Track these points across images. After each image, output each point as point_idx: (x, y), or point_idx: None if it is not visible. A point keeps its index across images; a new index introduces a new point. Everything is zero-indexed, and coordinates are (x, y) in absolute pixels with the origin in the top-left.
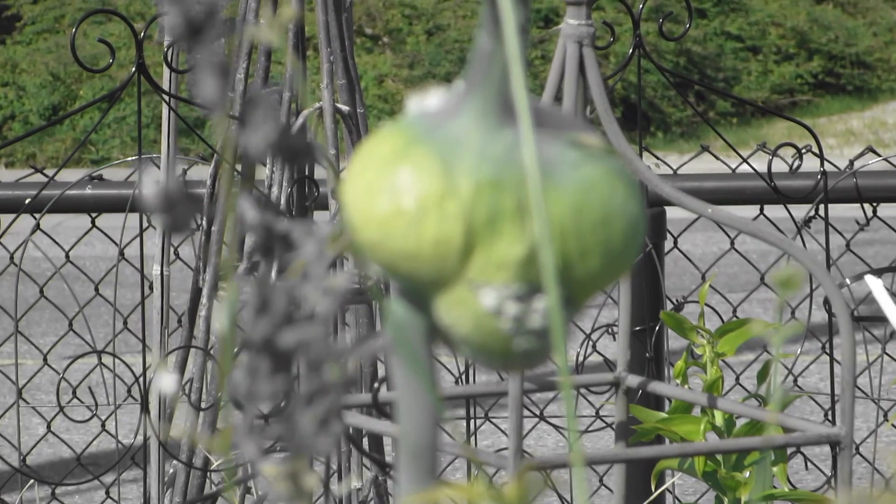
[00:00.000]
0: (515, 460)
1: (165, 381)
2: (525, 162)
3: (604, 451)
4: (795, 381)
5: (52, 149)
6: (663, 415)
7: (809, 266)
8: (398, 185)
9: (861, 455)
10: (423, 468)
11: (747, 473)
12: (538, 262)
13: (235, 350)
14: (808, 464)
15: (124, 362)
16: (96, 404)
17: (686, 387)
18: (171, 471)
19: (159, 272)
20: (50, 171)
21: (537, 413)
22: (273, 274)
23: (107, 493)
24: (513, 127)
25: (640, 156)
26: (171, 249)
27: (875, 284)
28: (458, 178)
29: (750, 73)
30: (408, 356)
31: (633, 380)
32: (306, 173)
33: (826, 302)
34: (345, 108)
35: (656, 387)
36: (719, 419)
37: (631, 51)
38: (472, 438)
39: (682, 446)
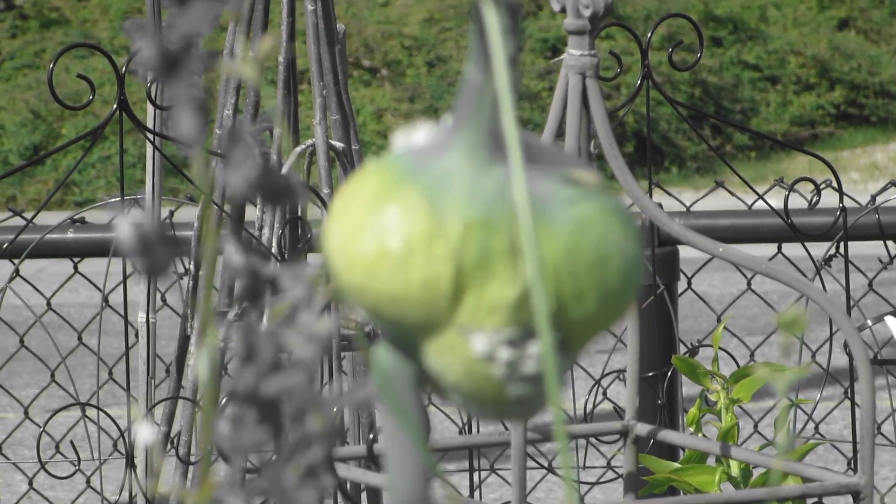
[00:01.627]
0: None
1: (144, 432)
2: (516, 200)
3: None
4: (817, 427)
5: (34, 190)
6: (676, 465)
7: (827, 308)
8: (384, 225)
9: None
10: None
11: None
12: (531, 305)
13: (220, 399)
14: None
15: (109, 415)
16: (79, 459)
17: (700, 435)
18: None
19: (145, 320)
20: (31, 215)
21: (545, 465)
22: (260, 320)
23: None
24: (504, 163)
25: (651, 192)
26: (158, 295)
27: (894, 324)
28: (446, 218)
29: (769, 104)
30: (395, 406)
31: (643, 428)
32: (298, 214)
33: (846, 345)
34: (339, 144)
35: (667, 435)
36: (735, 469)
37: (639, 82)
38: (477, 492)
39: (695, 498)
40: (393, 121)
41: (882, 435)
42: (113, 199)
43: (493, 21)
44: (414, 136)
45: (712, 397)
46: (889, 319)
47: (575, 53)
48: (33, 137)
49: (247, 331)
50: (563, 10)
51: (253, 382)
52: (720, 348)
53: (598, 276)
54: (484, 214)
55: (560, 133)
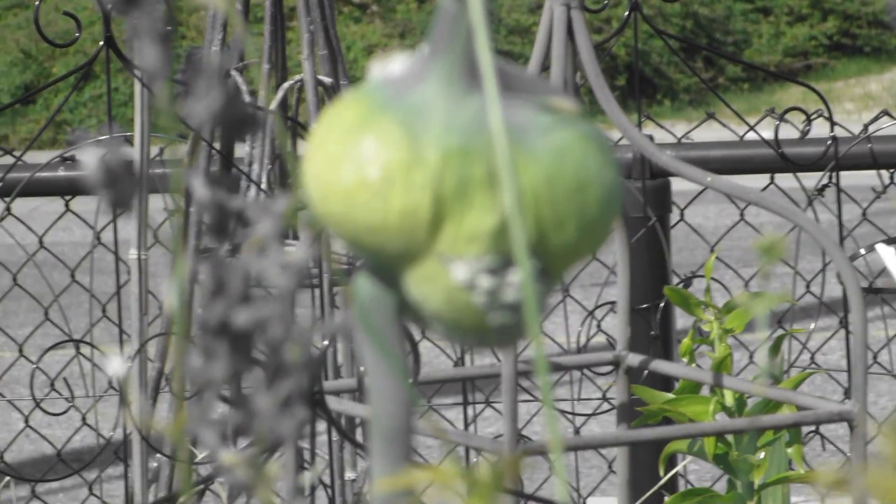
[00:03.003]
0: (511, 446)
1: (114, 365)
2: (492, 128)
3: (605, 434)
4: (813, 357)
5: (26, 129)
6: (670, 395)
7: (818, 237)
8: (362, 155)
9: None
10: (397, 452)
11: (761, 455)
12: (511, 234)
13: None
14: (827, 444)
15: (101, 351)
16: (73, 396)
17: (694, 366)
18: (155, 465)
19: (136, 257)
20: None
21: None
22: (228, 253)
23: (90, 489)
24: (481, 92)
25: (640, 124)
26: (149, 232)
27: (887, 253)
28: (424, 147)
29: (761, 35)
30: (375, 337)
31: (635, 359)
32: (288, 149)
33: (840, 275)
34: (327, 80)
35: (659, 365)
36: (729, 399)
37: (627, 13)
38: (473, 425)
39: (686, 427)
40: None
41: (878, 364)
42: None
43: None
44: (390, 66)
45: (705, 328)
46: (880, 247)
47: None
48: (24, 77)
49: (216, 263)
50: None
51: (223, 314)
52: (713, 279)
53: (578, 203)
54: (462, 143)
55: (546, 65)
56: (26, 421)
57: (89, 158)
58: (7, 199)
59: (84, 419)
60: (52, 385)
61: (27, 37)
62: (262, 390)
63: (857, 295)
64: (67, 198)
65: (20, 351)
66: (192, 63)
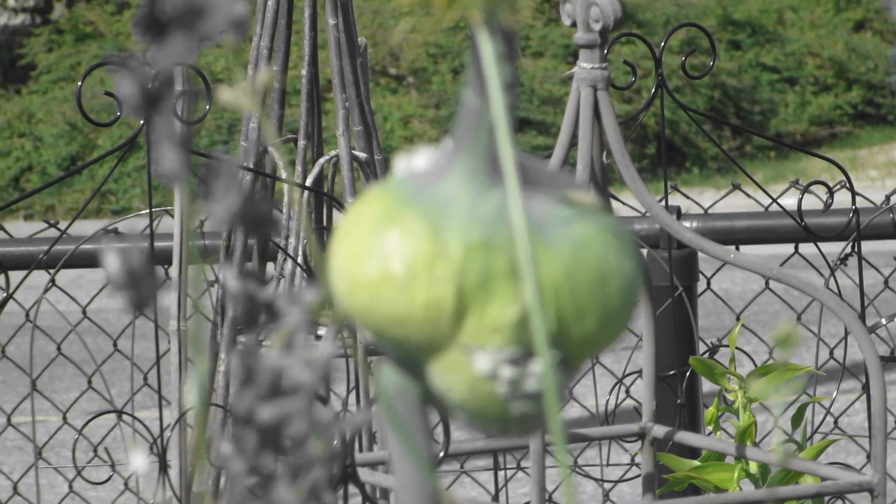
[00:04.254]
0: None
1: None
2: (514, 222)
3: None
4: (836, 422)
5: (72, 199)
6: (696, 463)
7: (837, 311)
8: (386, 248)
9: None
10: None
11: None
12: (532, 326)
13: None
14: None
15: (141, 422)
16: (113, 464)
17: (718, 433)
18: None
19: (176, 328)
20: (68, 222)
21: (570, 463)
22: (259, 344)
23: None
24: (502, 186)
25: (666, 196)
26: (189, 303)
27: None
28: (447, 241)
29: (787, 104)
30: (399, 428)
31: (660, 430)
32: (324, 223)
33: None
34: (362, 154)
35: (684, 437)
36: (754, 467)
37: (654, 90)
38: (504, 490)
39: (713, 499)
40: (419, 127)
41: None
42: (143, 211)
43: (488, 48)
44: (415, 161)
45: (730, 396)
46: None
47: (586, 66)
48: (70, 148)
49: (245, 354)
50: (574, 25)
51: (252, 405)
52: (738, 348)
53: (598, 295)
54: (484, 236)
55: (573, 144)
56: (70, 486)
57: (112, 261)
58: (52, 271)
59: (126, 484)
60: (94, 452)
61: (73, 109)
62: (287, 482)
63: (876, 366)
64: None
65: (64, 418)
66: (211, 167)
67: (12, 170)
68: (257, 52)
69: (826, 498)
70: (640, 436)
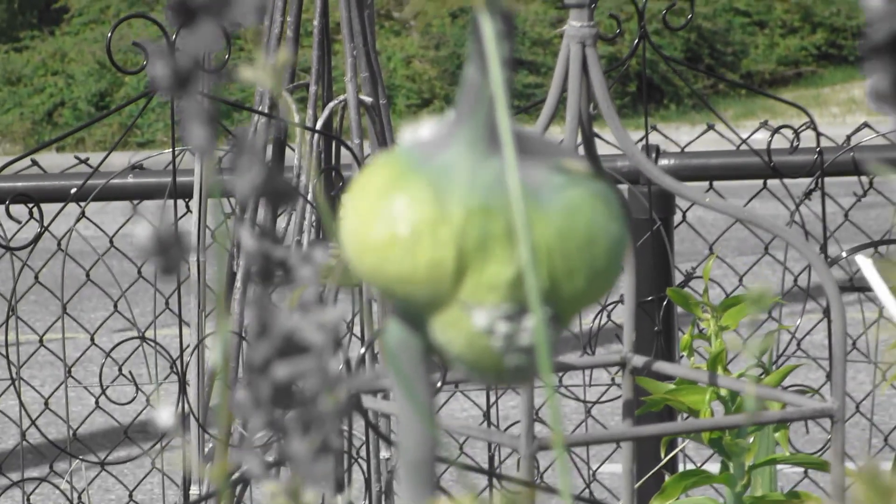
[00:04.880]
0: (527, 440)
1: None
2: (511, 187)
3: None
4: (799, 344)
5: (101, 133)
6: (671, 386)
7: (800, 247)
8: (393, 213)
9: (861, 413)
10: (422, 478)
11: (751, 439)
12: (526, 284)
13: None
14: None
15: (163, 347)
16: (136, 384)
17: (692, 358)
18: (210, 446)
19: (196, 260)
20: (96, 154)
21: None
22: (271, 298)
23: (152, 463)
24: (500, 155)
25: (647, 137)
26: (207, 235)
27: (864, 263)
28: (449, 206)
29: (757, 46)
30: (402, 379)
31: (639, 360)
32: (332, 163)
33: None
34: (368, 99)
35: (661, 366)
36: (724, 390)
37: (636, 41)
38: (496, 405)
39: (684, 424)
40: (420, 66)
41: (857, 350)
42: (167, 151)
43: (488, 27)
44: (420, 131)
45: (703, 324)
46: (859, 258)
47: (575, 25)
48: (99, 85)
49: (260, 308)
50: None
51: (267, 359)
52: (710, 279)
53: (587, 255)
54: (483, 202)
55: (562, 97)
56: (97, 402)
57: (143, 231)
58: (82, 204)
59: (148, 401)
60: (119, 371)
61: (102, 49)
62: (299, 433)
63: (837, 299)
64: (136, 202)
65: (92, 339)
66: (237, 142)
67: (46, 105)
68: (273, 7)
69: None
70: (622, 364)
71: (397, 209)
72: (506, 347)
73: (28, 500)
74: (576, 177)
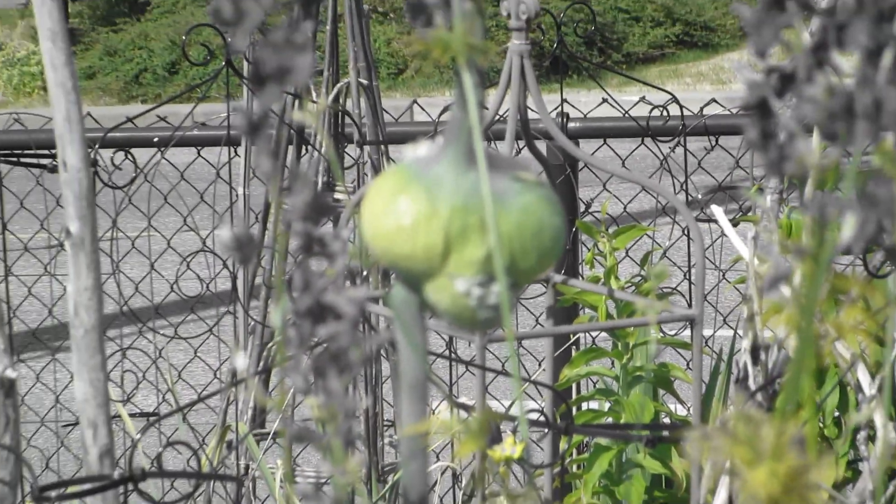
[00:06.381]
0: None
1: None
2: (483, 192)
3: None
4: (665, 253)
5: (173, 90)
6: (577, 289)
7: (666, 195)
8: (399, 210)
9: (707, 301)
10: (417, 395)
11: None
12: (494, 261)
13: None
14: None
15: (216, 254)
16: (198, 276)
17: (593, 269)
18: (252, 323)
19: (242, 192)
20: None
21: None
22: (312, 266)
23: (210, 330)
24: (476, 169)
25: (563, 105)
26: (252, 173)
27: (718, 212)
28: (439, 205)
29: (634, 34)
30: (404, 327)
31: (559, 277)
32: (339, 127)
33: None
34: (364, 81)
35: (573, 282)
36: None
37: (555, 46)
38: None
39: (588, 325)
40: (397, 47)
41: (708, 259)
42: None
43: (467, 79)
44: (418, 151)
45: (600, 245)
46: (714, 207)
47: (517, 43)
48: (171, 56)
49: (303, 271)
50: (509, 16)
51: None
52: (607, 214)
53: (537, 241)
54: (463, 202)
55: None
56: (172, 287)
57: (224, 232)
58: (162, 150)
59: (207, 287)
60: (187, 265)
61: (174, 31)
62: (334, 373)
63: (698, 236)
64: (199, 148)
65: (168, 243)
66: (294, 175)
67: (133, 70)
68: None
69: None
70: (546, 280)
71: (402, 207)
72: (479, 305)
73: (124, 353)
74: (529, 185)
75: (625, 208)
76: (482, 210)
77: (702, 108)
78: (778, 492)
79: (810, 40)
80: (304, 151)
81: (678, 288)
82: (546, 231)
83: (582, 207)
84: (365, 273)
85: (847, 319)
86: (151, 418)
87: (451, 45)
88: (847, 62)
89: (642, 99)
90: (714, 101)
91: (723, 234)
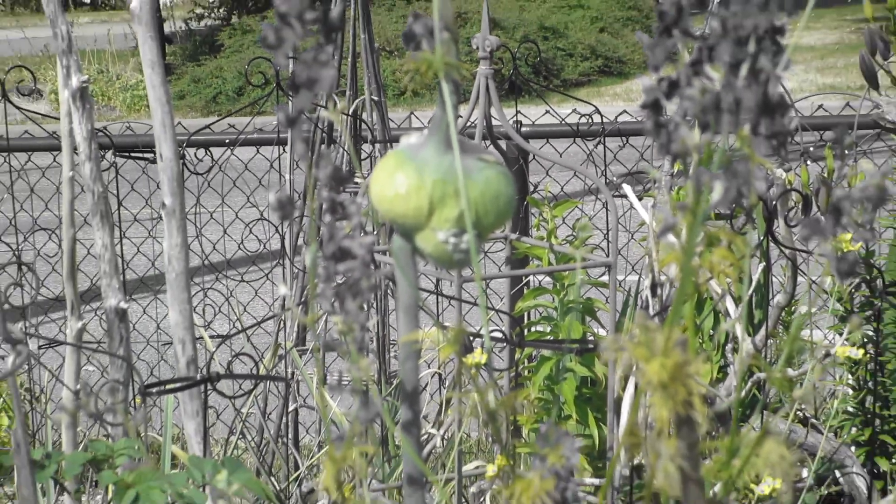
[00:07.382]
0: (457, 275)
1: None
2: (457, 169)
3: (503, 272)
4: (591, 219)
5: (240, 106)
6: (528, 245)
7: (594, 179)
8: (396, 182)
9: (620, 254)
10: (411, 315)
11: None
12: (465, 218)
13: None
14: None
15: (272, 223)
16: (258, 238)
17: (538, 229)
18: (296, 271)
19: (288, 177)
20: (237, 118)
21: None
22: (336, 222)
23: (266, 276)
24: (451, 153)
25: (517, 115)
26: (295, 164)
27: (628, 190)
28: (425, 178)
29: (569, 66)
30: (401, 266)
31: (513, 235)
32: (357, 131)
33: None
34: (376, 98)
35: (525, 239)
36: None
37: (512, 73)
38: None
39: (535, 270)
40: (399, 76)
41: (622, 226)
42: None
43: (446, 87)
44: (411, 140)
45: (545, 215)
46: (625, 186)
47: (483, 68)
48: (239, 83)
49: (329, 226)
50: (478, 48)
51: (332, 252)
52: (549, 191)
53: (496, 205)
54: (443, 176)
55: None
56: (239, 245)
57: (272, 196)
58: (232, 148)
59: (264, 246)
60: (250, 230)
61: (241, 65)
62: (348, 295)
63: (612, 205)
64: (258, 147)
65: (236, 214)
66: (322, 156)
67: (212, 93)
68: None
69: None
70: (506, 238)
71: (399, 180)
72: (454, 250)
73: (205, 293)
74: (490, 164)
75: (562, 188)
76: (456, 181)
77: (616, 117)
78: (667, 379)
79: (689, 57)
80: (332, 147)
81: (600, 245)
82: (502, 197)
83: (531, 188)
84: (373, 229)
85: (718, 262)
86: (224, 338)
87: (433, 63)
88: (715, 73)
89: (574, 111)
90: (625, 111)
91: (632, 207)
